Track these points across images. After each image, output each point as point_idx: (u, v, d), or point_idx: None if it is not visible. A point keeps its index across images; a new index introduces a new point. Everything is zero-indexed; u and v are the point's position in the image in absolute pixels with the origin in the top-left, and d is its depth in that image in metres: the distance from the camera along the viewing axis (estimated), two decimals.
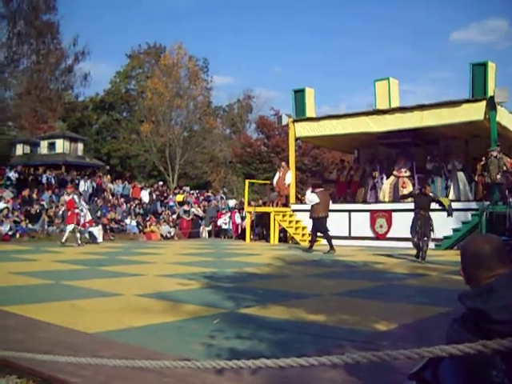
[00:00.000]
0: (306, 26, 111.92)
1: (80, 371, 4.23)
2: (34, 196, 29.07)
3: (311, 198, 19.37)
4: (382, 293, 9.27)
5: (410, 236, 15.89)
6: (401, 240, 21.36)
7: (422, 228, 15.41)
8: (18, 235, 24.23)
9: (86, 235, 21.92)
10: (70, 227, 21.10)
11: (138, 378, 4.08)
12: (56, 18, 32.33)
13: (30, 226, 25.40)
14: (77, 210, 21.12)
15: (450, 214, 15.66)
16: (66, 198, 22.17)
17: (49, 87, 33.79)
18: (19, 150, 46.69)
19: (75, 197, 21.46)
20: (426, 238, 15.36)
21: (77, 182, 34.62)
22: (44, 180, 33.44)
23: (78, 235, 21.08)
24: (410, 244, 20.92)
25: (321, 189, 19.96)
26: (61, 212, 22.76)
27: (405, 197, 17.71)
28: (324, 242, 22.84)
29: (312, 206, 19.38)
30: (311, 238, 20.02)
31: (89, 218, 22.03)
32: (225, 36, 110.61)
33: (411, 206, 22.21)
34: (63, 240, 20.75)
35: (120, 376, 4.14)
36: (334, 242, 23.01)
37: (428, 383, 2.18)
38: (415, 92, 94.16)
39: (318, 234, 19.81)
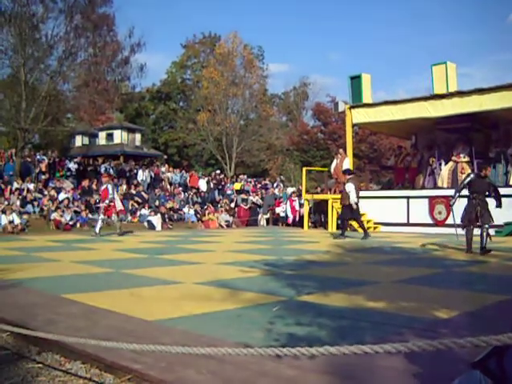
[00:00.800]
0: (363, 12, 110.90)
1: (141, 358, 4.29)
2: (94, 186, 29.52)
3: (348, 187, 19.38)
4: (441, 280, 9.16)
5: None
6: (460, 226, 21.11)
7: (480, 215, 13.32)
8: (78, 225, 24.68)
9: (99, 224, 20.68)
10: (114, 218, 21.09)
11: (199, 365, 4.11)
12: (111, 11, 32.76)
13: (90, 215, 25.81)
14: (106, 201, 20.72)
15: (499, 206, 13.76)
16: (102, 187, 21.96)
17: (106, 79, 34.21)
18: (78, 141, 47.45)
19: (109, 186, 21.04)
20: (486, 226, 13.21)
21: (135, 171, 35.07)
22: (103, 170, 33.92)
23: (100, 224, 20.61)
24: None
25: (352, 175, 20.01)
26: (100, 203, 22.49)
27: (464, 186, 14.25)
28: (383, 229, 22.73)
29: (343, 192, 19.47)
30: (342, 225, 20.20)
31: (119, 207, 21.46)
32: (280, 23, 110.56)
33: None
34: (118, 231, 20.79)
35: (181, 363, 4.19)
36: (393, 228, 22.93)
37: (493, 372, 2.14)
38: (473, 75, 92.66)
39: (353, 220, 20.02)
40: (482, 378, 2.01)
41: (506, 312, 6.47)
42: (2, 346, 5.25)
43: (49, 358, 4.81)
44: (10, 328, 5.17)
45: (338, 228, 23.75)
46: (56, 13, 29.50)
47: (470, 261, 12.04)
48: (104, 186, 21.26)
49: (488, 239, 13.17)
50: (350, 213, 19.53)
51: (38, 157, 32.07)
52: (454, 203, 13.79)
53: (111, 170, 34.33)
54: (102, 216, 20.72)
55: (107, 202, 20.60)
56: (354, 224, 22.27)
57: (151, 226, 26.05)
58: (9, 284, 8.13)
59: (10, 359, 4.81)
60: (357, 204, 19.19)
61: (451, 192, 22.31)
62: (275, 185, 39.24)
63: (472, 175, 13.67)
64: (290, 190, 35.35)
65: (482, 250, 13.00)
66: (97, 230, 20.26)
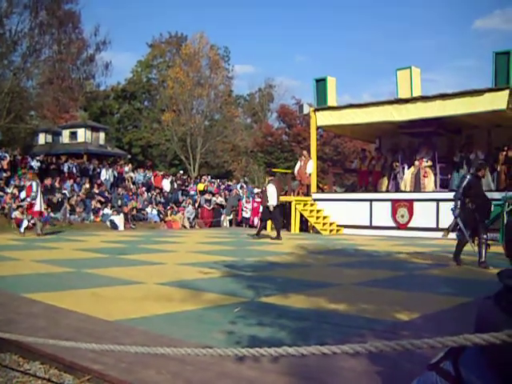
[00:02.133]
0: (328, 17, 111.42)
1: (101, 358, 4.27)
2: (56, 185, 29.25)
3: (269, 188, 19.69)
4: (403, 283, 9.25)
5: (431, 226, 15.18)
6: (422, 230, 21.32)
7: (480, 221, 11.71)
8: None
9: (24, 225, 20.00)
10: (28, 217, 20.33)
11: (159, 366, 4.11)
12: (77, 8, 32.56)
13: (52, 214, 25.57)
14: (28, 199, 19.95)
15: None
16: (27, 183, 20.94)
17: (70, 77, 34.02)
18: (41, 139, 46.95)
19: (34, 184, 20.01)
20: (485, 236, 11.55)
21: (98, 170, 34.83)
22: (66, 169, 33.64)
23: (25, 224, 19.98)
24: (431, 234, 20.96)
25: (273, 177, 20.39)
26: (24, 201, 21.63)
27: (464, 190, 11.82)
28: (346, 231, 22.89)
29: (265, 194, 19.90)
30: (260, 226, 20.66)
31: (37, 208, 19.97)
32: (246, 24, 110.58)
33: (433, 195, 22.21)
34: (38, 231, 19.66)
35: (141, 363, 4.18)
36: (356, 231, 23.08)
37: (448, 374, 2.16)
38: (437, 81, 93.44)
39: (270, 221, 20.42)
40: (438, 379, 2.02)
41: (466, 314, 6.55)
42: None
43: (7, 358, 4.77)
44: None
45: (301, 230, 23.89)
46: (21, 8, 29.27)
47: (432, 264, 12.15)
48: (28, 184, 20.43)
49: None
50: (269, 213, 19.93)
51: (0, 154, 31.71)
52: (458, 213, 11.69)
53: (74, 169, 34.08)
54: (25, 215, 20.19)
55: (29, 199, 19.93)
56: (317, 225, 22.43)
57: (114, 226, 25.90)
58: None
59: None
60: (274, 206, 19.42)
61: (414, 196, 22.68)
62: (239, 186, 39.28)
63: (468, 176, 12.07)
64: (255, 190, 35.41)
65: (481, 263, 11.33)
66: (21, 229, 19.82)
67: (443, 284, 9.23)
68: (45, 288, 7.80)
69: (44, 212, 20.97)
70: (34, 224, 20.34)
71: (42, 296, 7.06)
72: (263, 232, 20.63)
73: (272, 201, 19.43)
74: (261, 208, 22.87)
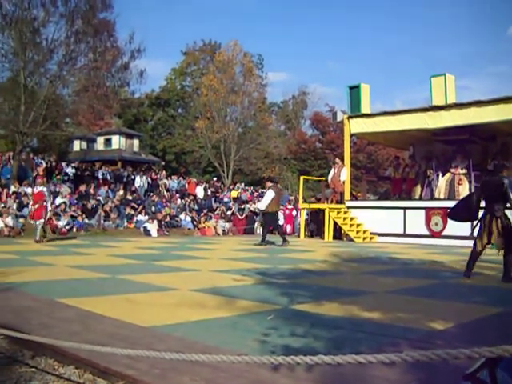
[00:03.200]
0: (362, 22, 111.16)
1: (135, 364, 4.28)
2: (91, 191, 29.54)
3: (269, 193, 19.95)
4: (437, 291, 9.16)
5: (465, 235, 14.92)
6: (456, 238, 21.10)
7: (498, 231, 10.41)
8: (74, 229, 24.66)
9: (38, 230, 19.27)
10: (39, 222, 19.25)
11: (193, 372, 4.10)
12: (112, 16, 32.75)
13: (86, 220, 25.81)
14: (45, 203, 19.27)
15: None
16: (35, 190, 20.23)
17: (105, 84, 34.21)
18: (76, 145, 47.49)
19: (44, 189, 19.77)
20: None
21: (132, 177, 35.09)
22: (100, 175, 33.99)
23: (39, 230, 19.25)
24: (465, 242, 20.72)
25: (273, 183, 20.38)
26: (30, 206, 21.16)
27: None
28: (379, 239, 22.77)
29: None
30: (264, 232, 20.53)
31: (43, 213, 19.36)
32: (279, 32, 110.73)
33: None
34: (37, 238, 19.04)
35: (175, 370, 4.18)
36: (389, 239, 22.94)
37: None
38: (472, 88, 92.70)
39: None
40: None
41: (501, 324, 6.47)
42: None
43: (42, 362, 4.80)
44: (3, 331, 5.16)
45: (334, 238, 23.84)
46: (57, 17, 29.57)
47: None
48: (39, 189, 19.75)
49: None
50: (273, 220, 20.44)
51: (36, 160, 32.09)
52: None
53: (108, 176, 34.39)
54: (40, 221, 19.26)
55: (37, 206, 19.31)
56: (351, 233, 22.36)
57: (147, 233, 26.03)
58: (3, 287, 8.10)
59: (3, 363, 4.79)
60: (269, 212, 19.62)
61: (448, 203, 22.45)
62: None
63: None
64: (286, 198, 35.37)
65: (507, 278, 10.24)
66: (37, 237, 19.13)
67: (478, 293, 9.12)
68: (79, 293, 7.85)
69: (46, 219, 19.81)
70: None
71: (76, 301, 7.11)
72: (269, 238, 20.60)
73: (261, 205, 19.63)
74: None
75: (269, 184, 20.62)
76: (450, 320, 6.45)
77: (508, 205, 10.40)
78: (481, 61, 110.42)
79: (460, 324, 6.37)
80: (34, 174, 29.41)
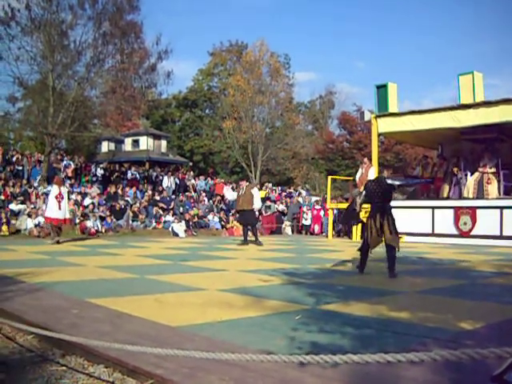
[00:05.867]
0: (389, 21, 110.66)
1: (164, 363, 4.31)
2: (119, 192, 29.71)
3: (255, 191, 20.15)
4: (466, 291, 9.09)
5: (494, 234, 15.00)
6: (485, 238, 20.95)
7: None
8: (103, 230, 24.82)
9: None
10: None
11: (221, 372, 4.12)
12: (139, 18, 32.94)
13: (115, 221, 25.98)
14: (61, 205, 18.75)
15: None
16: (55, 190, 19.12)
17: (133, 86, 34.46)
18: (104, 146, 47.74)
19: (63, 190, 19.30)
20: None
21: (160, 178, 35.27)
22: (129, 176, 34.17)
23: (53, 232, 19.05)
24: (494, 242, 20.57)
25: (247, 183, 20.69)
26: (44, 206, 20.89)
27: None
28: (407, 239, 22.64)
29: (247, 197, 19.86)
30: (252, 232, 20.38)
31: (48, 214, 19.13)
32: (306, 32, 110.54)
33: (496, 202, 21.81)
34: (56, 239, 18.73)
35: (203, 369, 4.20)
36: (417, 238, 22.81)
37: None
38: (499, 86, 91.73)
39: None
40: None
41: None
42: (27, 348, 5.31)
43: (72, 361, 4.86)
44: (34, 330, 5.22)
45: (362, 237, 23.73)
46: (85, 20, 29.81)
47: (496, 272, 11.94)
48: (58, 190, 18.98)
49: None
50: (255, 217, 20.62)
51: (65, 162, 32.35)
52: None
53: (137, 176, 34.60)
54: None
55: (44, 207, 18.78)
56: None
57: (175, 233, 26.13)
58: (34, 287, 8.20)
59: (34, 361, 4.86)
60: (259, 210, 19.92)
61: (477, 203, 22.30)
62: (297, 193, 39.32)
63: None
64: (314, 198, 35.34)
65: None
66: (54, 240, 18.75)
67: (508, 293, 9.05)
68: (108, 293, 7.91)
69: (65, 220, 19.36)
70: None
71: (105, 301, 7.17)
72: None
73: (258, 204, 19.77)
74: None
75: (248, 184, 20.71)
76: (479, 320, 6.41)
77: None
78: (508, 58, 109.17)
79: (489, 324, 6.32)
80: (63, 176, 29.68)
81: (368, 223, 11.33)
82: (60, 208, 18.75)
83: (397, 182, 11.54)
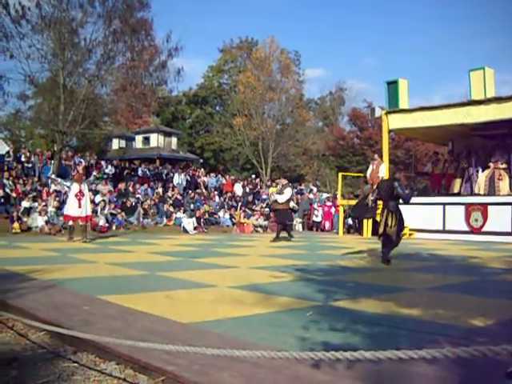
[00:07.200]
0: (398, 17, 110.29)
1: (175, 360, 4.31)
2: (130, 189, 29.78)
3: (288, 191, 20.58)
4: (478, 288, 9.07)
5: (506, 230, 15.02)
6: (496, 234, 20.88)
7: None
8: (114, 227, 24.90)
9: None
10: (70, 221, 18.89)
11: (233, 368, 4.12)
12: (149, 15, 32.97)
13: (125, 218, 26.03)
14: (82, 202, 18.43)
15: None
16: (75, 187, 18.63)
17: (143, 83, 34.48)
18: (115, 144, 47.91)
19: (83, 187, 18.85)
20: None
21: (171, 175, 35.33)
22: (139, 173, 34.25)
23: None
24: (505, 238, 20.49)
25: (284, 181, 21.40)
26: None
27: None
28: (418, 235, 22.60)
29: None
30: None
31: (65, 212, 19.09)
32: (316, 28, 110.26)
33: (508, 199, 21.72)
34: (71, 236, 18.64)
35: (214, 366, 4.20)
36: (428, 235, 22.78)
37: None
38: (511, 82, 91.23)
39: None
40: None
41: None
42: (38, 345, 5.33)
43: (84, 357, 4.87)
44: (46, 327, 5.24)
45: (373, 234, 23.67)
46: (95, 17, 29.89)
47: (508, 269, 11.90)
48: (79, 187, 18.56)
49: None
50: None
51: (76, 159, 32.45)
52: None
53: (148, 173, 34.67)
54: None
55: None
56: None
57: (186, 230, 26.16)
58: (46, 284, 8.22)
59: (46, 358, 4.88)
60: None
61: (488, 199, 22.22)
62: (308, 190, 39.32)
63: None
64: (324, 195, 35.31)
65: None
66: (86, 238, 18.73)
67: None
68: (119, 290, 7.92)
69: (86, 217, 18.94)
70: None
71: (116, 298, 7.18)
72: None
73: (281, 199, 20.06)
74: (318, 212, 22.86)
75: (283, 182, 20.86)
76: (490, 317, 6.39)
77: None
78: None
79: (501, 321, 6.30)
80: (74, 173, 29.78)
81: (382, 216, 12.56)
82: (80, 206, 18.45)
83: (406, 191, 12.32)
